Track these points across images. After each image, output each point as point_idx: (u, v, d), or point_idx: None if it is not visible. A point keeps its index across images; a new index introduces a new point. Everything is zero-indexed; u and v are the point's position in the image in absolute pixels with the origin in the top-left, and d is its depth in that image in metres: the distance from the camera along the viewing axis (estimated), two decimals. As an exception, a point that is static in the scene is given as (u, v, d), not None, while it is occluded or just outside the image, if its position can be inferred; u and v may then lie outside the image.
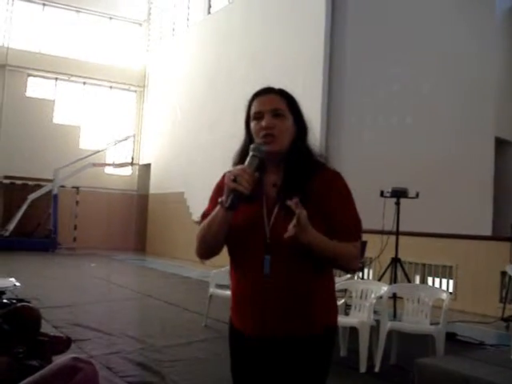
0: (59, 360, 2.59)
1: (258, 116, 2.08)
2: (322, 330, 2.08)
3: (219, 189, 2.12)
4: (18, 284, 5.07)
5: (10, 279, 5.27)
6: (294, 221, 1.83)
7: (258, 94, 2.14)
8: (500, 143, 11.45)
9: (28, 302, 3.88)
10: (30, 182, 19.26)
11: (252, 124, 2.10)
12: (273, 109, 2.07)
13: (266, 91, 2.14)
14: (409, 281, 8.38)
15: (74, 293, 10.01)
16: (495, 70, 11.53)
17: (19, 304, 3.67)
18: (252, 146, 2.01)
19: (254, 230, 2.03)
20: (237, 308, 2.16)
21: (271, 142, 2.03)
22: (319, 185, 2.04)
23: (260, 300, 2.03)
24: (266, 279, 2.01)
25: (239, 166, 1.95)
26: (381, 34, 12.06)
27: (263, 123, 2.05)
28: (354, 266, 2.12)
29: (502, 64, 11.67)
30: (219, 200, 1.96)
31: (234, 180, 1.89)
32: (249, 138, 2.13)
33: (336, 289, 5.97)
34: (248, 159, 1.96)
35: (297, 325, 2.04)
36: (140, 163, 22.03)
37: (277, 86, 2.19)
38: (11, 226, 17.64)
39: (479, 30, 11.51)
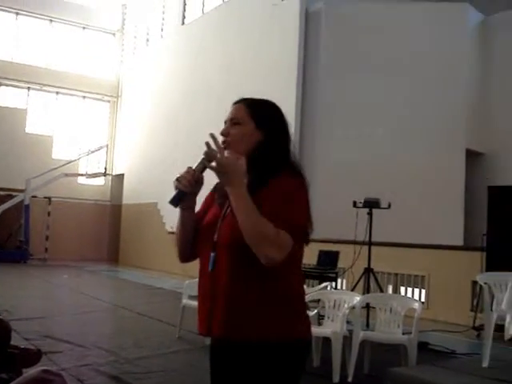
0: (29, 372, 2.56)
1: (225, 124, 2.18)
2: (276, 339, 1.98)
3: (204, 202, 2.25)
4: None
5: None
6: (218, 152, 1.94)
7: (232, 105, 2.21)
8: (471, 155, 11.62)
9: (-2, 314, 3.82)
10: (1, 192, 18.99)
11: None
12: (231, 118, 2.15)
13: (236, 101, 2.20)
14: (381, 290, 8.44)
15: (46, 304, 9.89)
16: (466, 82, 11.73)
17: (-12, 316, 3.61)
18: (204, 150, 2.09)
19: (210, 231, 2.08)
20: (197, 309, 2.16)
21: (225, 148, 2.08)
22: (268, 192, 1.99)
23: (206, 297, 2.06)
24: (211, 276, 2.04)
25: (186, 168, 2.08)
26: (354, 46, 12.17)
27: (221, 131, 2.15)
28: (265, 250, 1.88)
29: (472, 76, 11.87)
30: None
31: (177, 179, 2.05)
32: None
33: (309, 299, 6.00)
34: (197, 162, 2.08)
35: (236, 327, 1.98)
36: (113, 173, 21.90)
37: (251, 96, 2.23)
38: (-18, 237, 17.40)
39: (451, 43, 11.71)
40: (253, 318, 1.97)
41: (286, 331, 2.00)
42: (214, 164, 1.96)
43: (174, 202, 2.08)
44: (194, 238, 2.18)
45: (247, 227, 1.90)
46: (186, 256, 2.24)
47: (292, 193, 2.00)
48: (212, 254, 2.05)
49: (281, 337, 1.99)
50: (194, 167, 2.08)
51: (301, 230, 2.00)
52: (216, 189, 2.19)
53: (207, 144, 2.00)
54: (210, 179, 2.21)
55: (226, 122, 2.17)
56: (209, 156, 2.05)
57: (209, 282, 2.05)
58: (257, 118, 2.13)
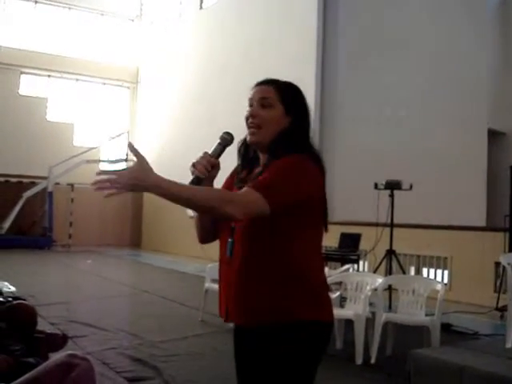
0: (55, 357, 2.61)
1: (250, 104, 2.12)
2: (295, 324, 1.97)
3: (224, 185, 2.21)
4: (12, 288, 5.07)
5: (5, 283, 5.26)
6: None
7: (256, 85, 2.16)
8: (493, 134, 11.50)
9: (24, 300, 3.88)
10: (25, 180, 19.21)
11: None
12: (260, 97, 2.08)
13: (263, 82, 2.15)
14: (404, 272, 8.42)
15: (70, 290, 10.01)
16: (487, 62, 11.58)
17: (15, 302, 3.68)
18: (220, 135, 2.09)
19: None
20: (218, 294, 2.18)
21: (253, 134, 2.07)
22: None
23: (225, 284, 2.08)
24: (228, 262, 2.05)
25: (202, 153, 2.06)
26: (375, 27, 12.06)
27: (248, 111, 2.10)
28: (222, 209, 1.84)
29: (494, 56, 11.73)
30: None
31: (193, 165, 2.04)
32: None
33: (331, 281, 6.01)
34: (213, 146, 2.08)
35: (257, 313, 1.98)
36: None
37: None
38: (6, 224, 17.59)
39: (471, 23, 11.57)
40: (268, 303, 1.97)
41: (304, 314, 2.00)
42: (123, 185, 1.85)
43: None
44: (212, 222, 2.17)
45: (191, 203, 1.88)
46: (206, 238, 2.24)
47: (281, 167, 1.97)
48: (229, 240, 2.05)
49: (298, 320, 1.98)
50: (209, 152, 2.07)
51: (270, 187, 1.91)
52: (236, 171, 2.19)
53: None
54: (230, 163, 2.22)
55: (250, 100, 2.12)
56: (224, 140, 2.07)
57: (226, 267, 2.07)
58: (286, 103, 2.09)
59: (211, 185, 2.10)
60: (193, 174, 2.05)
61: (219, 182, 2.19)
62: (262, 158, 2.13)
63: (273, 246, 1.95)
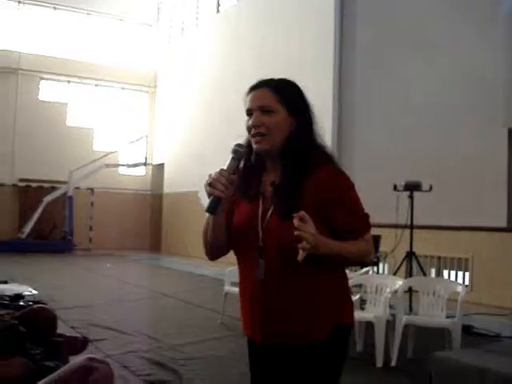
0: (74, 360, 2.62)
1: (249, 113, 2.04)
2: (329, 331, 1.97)
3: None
4: (33, 292, 5.10)
5: (25, 287, 5.30)
6: (304, 244, 1.77)
7: (250, 90, 2.07)
8: (513, 134, 11.40)
9: (44, 304, 3.91)
10: (45, 185, 19.39)
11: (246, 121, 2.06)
12: (260, 105, 2.00)
13: (257, 86, 2.06)
14: (424, 274, 8.34)
15: (91, 293, 10.07)
16: (504, 63, 11.48)
17: (35, 306, 3.70)
18: (232, 148, 1.99)
19: (249, 231, 2.00)
20: (241, 310, 2.13)
21: (260, 142, 1.98)
22: (314, 185, 1.93)
23: (257, 305, 2.00)
24: (262, 284, 1.96)
25: (218, 170, 1.93)
26: (390, 31, 12.00)
27: (250, 122, 2.01)
28: (368, 260, 2.05)
29: (510, 57, 11.61)
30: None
31: (210, 184, 1.90)
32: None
33: (351, 284, 5.98)
34: (228, 161, 1.96)
35: (296, 333, 1.96)
36: (153, 163, 22.08)
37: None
38: (27, 229, 17.75)
39: (487, 25, 11.49)
40: (310, 319, 1.96)
41: (341, 320, 2.02)
42: (307, 246, 1.77)
43: (212, 209, 1.94)
44: (225, 240, 2.10)
45: (351, 258, 1.97)
46: (216, 254, 2.17)
47: (344, 191, 1.99)
48: (261, 261, 1.96)
49: (334, 326, 1.99)
50: (225, 168, 1.95)
51: (369, 221, 2.05)
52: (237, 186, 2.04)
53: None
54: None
55: (249, 111, 2.03)
56: (238, 154, 1.98)
57: (258, 289, 1.98)
58: (287, 104, 2.00)
59: (228, 202, 2.02)
60: (210, 193, 1.92)
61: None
62: (271, 164, 2.05)
63: (308, 266, 1.88)
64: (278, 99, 2.00)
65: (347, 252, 1.93)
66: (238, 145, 2.01)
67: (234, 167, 1.96)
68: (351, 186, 2.02)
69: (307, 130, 2.03)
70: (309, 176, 1.94)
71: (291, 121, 2.01)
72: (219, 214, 2.01)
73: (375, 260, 8.04)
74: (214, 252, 2.15)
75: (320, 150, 2.04)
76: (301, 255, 1.77)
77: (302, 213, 1.78)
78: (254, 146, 2.01)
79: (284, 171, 1.99)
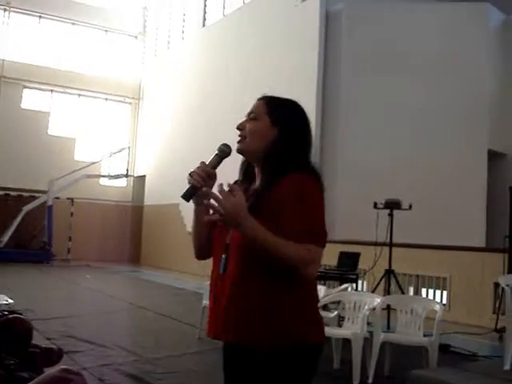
0: (49, 371, 2.59)
1: None
2: (287, 346, 1.95)
3: None
4: (10, 301, 5.05)
5: (1, 296, 5.25)
6: (218, 207, 1.86)
7: None
8: (493, 155, 11.53)
9: (20, 314, 3.86)
10: (25, 194, 19.23)
11: None
12: (249, 112, 2.16)
13: (259, 98, 2.21)
14: (402, 292, 8.39)
15: (68, 304, 9.99)
16: (489, 82, 11.64)
17: (10, 315, 3.66)
18: (219, 146, 2.13)
19: (224, 230, 2.06)
20: (208, 311, 2.17)
21: (239, 142, 2.13)
22: (280, 191, 1.97)
23: (216, 300, 2.05)
24: (222, 279, 2.03)
25: (199, 163, 2.10)
26: (375, 46, 12.14)
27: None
28: (309, 272, 1.93)
29: (495, 77, 11.79)
30: None
31: (190, 174, 2.07)
32: None
33: (329, 300, 5.98)
34: (211, 157, 2.12)
35: (248, 333, 1.95)
36: (135, 175, 22.02)
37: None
38: (6, 238, 17.57)
39: (473, 43, 11.64)
40: (261, 322, 1.94)
41: (295, 336, 1.97)
42: (219, 211, 1.87)
43: (186, 196, 2.08)
44: (209, 236, 2.18)
45: (285, 258, 1.88)
46: (201, 253, 2.25)
47: (304, 196, 1.96)
48: (223, 256, 2.03)
49: (289, 342, 1.95)
50: (207, 162, 2.10)
51: (324, 235, 1.98)
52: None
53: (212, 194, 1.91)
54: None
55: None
56: (222, 152, 2.11)
57: (219, 284, 2.05)
58: (273, 114, 2.11)
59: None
60: (189, 182, 2.07)
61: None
62: (257, 171, 2.16)
63: (268, 265, 1.92)
64: (266, 109, 2.14)
65: (284, 251, 1.86)
66: (225, 145, 2.14)
67: (214, 163, 2.11)
68: (314, 192, 2.00)
69: (290, 143, 2.09)
70: (278, 183, 1.99)
71: (273, 131, 2.10)
72: (200, 206, 2.14)
73: (354, 277, 8.06)
74: (199, 251, 2.26)
75: (300, 164, 2.05)
76: (212, 217, 1.92)
77: (234, 186, 1.92)
78: (236, 146, 2.15)
79: (261, 178, 2.10)
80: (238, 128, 2.15)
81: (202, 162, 2.09)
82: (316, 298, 2.11)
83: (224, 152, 2.12)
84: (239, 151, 2.14)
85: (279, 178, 1.99)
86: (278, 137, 2.09)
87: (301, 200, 1.95)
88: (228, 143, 2.15)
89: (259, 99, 2.19)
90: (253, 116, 2.13)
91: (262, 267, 1.93)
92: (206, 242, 2.19)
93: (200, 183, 2.05)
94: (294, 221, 1.92)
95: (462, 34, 11.71)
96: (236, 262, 1.99)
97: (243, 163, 2.24)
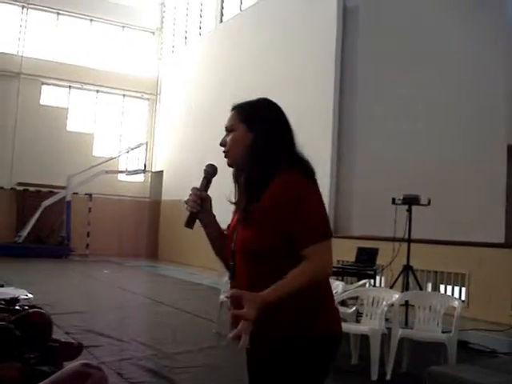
0: (69, 366, 2.61)
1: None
2: (292, 340, 2.00)
3: (233, 214, 2.26)
4: (29, 295, 5.09)
5: (21, 291, 5.29)
6: (243, 325, 1.87)
7: None
8: (512, 150, 11.42)
9: (40, 308, 3.90)
10: (44, 189, 19.37)
11: None
12: (226, 127, 2.20)
13: (231, 109, 2.23)
14: (421, 288, 8.34)
15: (87, 299, 10.05)
16: (507, 77, 11.52)
17: (31, 310, 3.70)
18: (204, 168, 2.21)
19: (231, 238, 2.16)
20: None
21: (225, 157, 2.18)
22: (269, 195, 2.00)
23: (231, 305, 2.08)
24: (233, 284, 2.12)
25: (191, 189, 2.17)
26: (392, 42, 12.06)
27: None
28: (326, 275, 2.04)
29: (512, 71, 11.67)
30: None
31: (186, 202, 2.15)
32: None
33: (347, 296, 5.97)
34: (200, 181, 2.20)
35: (259, 333, 1.95)
36: (152, 170, 22.10)
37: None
38: (24, 233, 17.72)
39: (490, 38, 11.53)
40: (273, 316, 1.94)
41: (310, 327, 2.01)
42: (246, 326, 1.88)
43: (189, 224, 2.16)
44: (222, 251, 2.26)
45: (305, 284, 1.93)
46: (228, 265, 2.27)
47: (296, 200, 1.98)
48: (231, 264, 2.13)
49: (304, 332, 2.00)
50: (198, 186, 2.17)
51: (327, 228, 2.02)
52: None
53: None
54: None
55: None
56: (207, 173, 2.19)
57: (231, 288, 2.09)
58: (246, 120, 2.13)
59: (211, 216, 2.22)
60: (187, 209, 2.14)
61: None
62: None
63: (276, 266, 1.97)
64: (239, 117, 2.16)
65: (297, 286, 1.91)
66: (208, 165, 2.21)
67: (204, 185, 2.18)
68: (305, 189, 2.02)
69: (267, 143, 2.09)
70: (266, 186, 2.02)
71: (249, 136, 2.12)
72: (208, 227, 2.24)
73: (371, 273, 8.04)
74: (226, 266, 2.27)
75: (283, 159, 2.07)
76: (243, 341, 1.87)
77: (233, 292, 1.93)
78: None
79: (244, 184, 2.14)
80: (220, 145, 2.19)
81: (194, 188, 2.16)
82: (329, 289, 2.14)
83: (208, 173, 2.19)
84: (228, 165, 2.19)
85: (268, 180, 2.02)
86: (253, 140, 2.10)
87: (295, 204, 1.98)
88: (212, 163, 2.21)
89: (231, 110, 2.21)
90: (230, 128, 2.17)
91: (268, 267, 1.99)
92: (223, 255, 2.27)
93: (196, 208, 2.13)
94: (297, 228, 1.97)
95: (480, 29, 11.61)
96: (242, 266, 2.08)
97: (233, 175, 2.22)
